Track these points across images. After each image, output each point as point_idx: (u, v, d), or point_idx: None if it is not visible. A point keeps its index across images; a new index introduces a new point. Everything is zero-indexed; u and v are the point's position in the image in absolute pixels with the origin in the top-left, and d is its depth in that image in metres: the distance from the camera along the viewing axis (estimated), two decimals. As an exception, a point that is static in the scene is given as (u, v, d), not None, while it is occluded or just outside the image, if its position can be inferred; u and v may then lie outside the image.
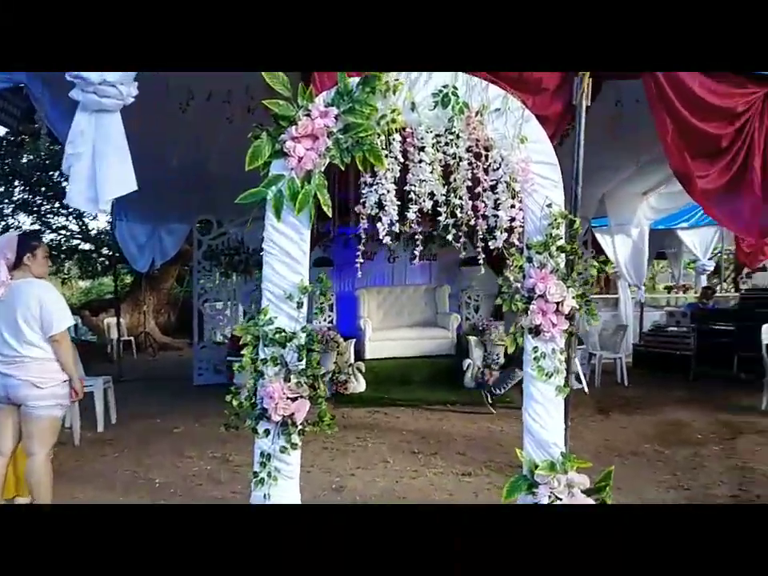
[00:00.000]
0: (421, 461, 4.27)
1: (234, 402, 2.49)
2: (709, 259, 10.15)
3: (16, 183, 12.71)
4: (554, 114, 2.79)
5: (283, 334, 2.49)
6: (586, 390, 6.71)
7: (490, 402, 5.93)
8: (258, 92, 3.52)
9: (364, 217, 2.65)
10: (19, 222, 13.59)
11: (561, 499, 2.40)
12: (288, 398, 2.44)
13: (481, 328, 7.45)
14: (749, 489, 3.65)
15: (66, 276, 15.67)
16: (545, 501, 2.41)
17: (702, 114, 2.69)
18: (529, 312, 2.65)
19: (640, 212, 8.68)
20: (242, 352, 2.49)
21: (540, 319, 2.62)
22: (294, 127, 2.48)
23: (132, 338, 11.15)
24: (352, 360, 7.05)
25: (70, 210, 13.63)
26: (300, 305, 2.52)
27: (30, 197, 13.12)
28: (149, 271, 10.31)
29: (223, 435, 5.19)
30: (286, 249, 2.54)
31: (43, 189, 13.02)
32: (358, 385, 6.95)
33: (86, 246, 14.84)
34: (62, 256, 14.63)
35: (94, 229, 14.56)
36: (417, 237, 2.69)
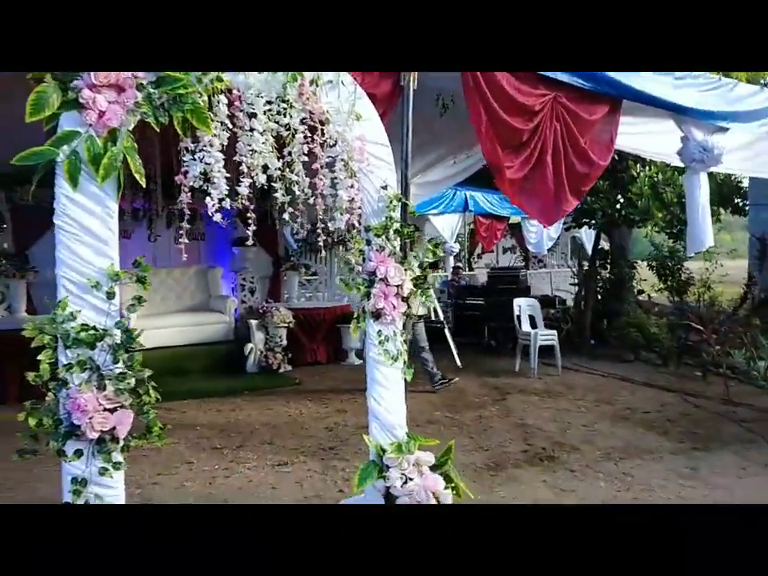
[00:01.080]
0: (228, 456, 3.95)
1: (31, 421, 1.93)
2: (454, 242, 11.42)
3: None
4: (382, 94, 2.74)
5: (92, 332, 2.01)
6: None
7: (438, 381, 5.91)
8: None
9: (186, 189, 2.28)
10: None
11: (412, 479, 2.42)
12: (106, 409, 1.98)
13: (261, 311, 7.22)
14: (533, 443, 4.23)
15: None
16: (398, 483, 2.39)
17: (509, 109, 2.92)
18: (371, 296, 2.60)
19: (401, 197, 9.37)
20: (38, 357, 1.94)
21: (382, 303, 2.59)
22: (92, 73, 1.99)
23: None
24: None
25: None
26: (111, 295, 2.05)
27: None
28: None
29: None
30: (88, 226, 2.03)
31: None
32: (126, 380, 6.16)
33: None
34: None
35: None
36: (249, 215, 2.40)
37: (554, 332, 6.57)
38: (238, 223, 7.93)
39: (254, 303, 7.93)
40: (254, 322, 6.99)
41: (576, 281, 8.66)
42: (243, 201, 2.33)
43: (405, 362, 2.71)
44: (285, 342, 7.04)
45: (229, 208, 2.29)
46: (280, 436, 4.40)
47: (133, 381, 2.06)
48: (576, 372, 6.61)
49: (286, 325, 7.05)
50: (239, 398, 5.70)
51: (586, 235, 12.06)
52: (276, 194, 2.41)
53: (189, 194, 2.30)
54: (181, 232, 2.27)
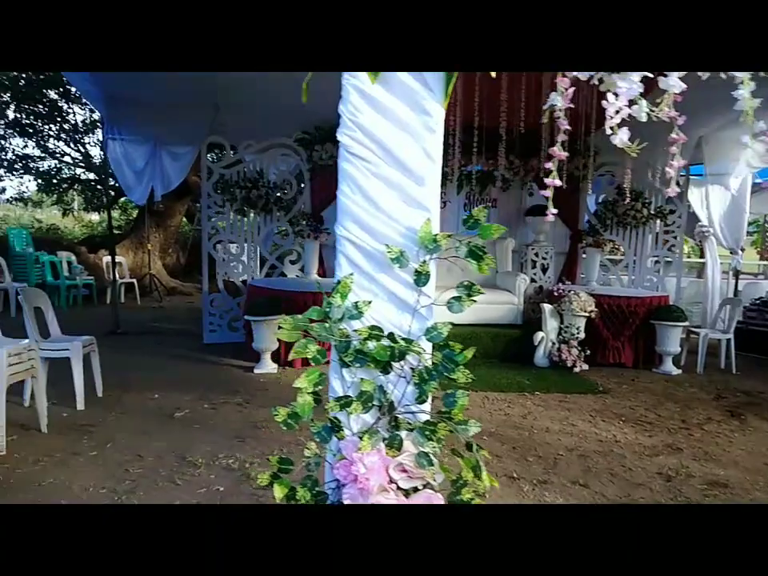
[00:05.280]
0: (529, 494, 2.92)
1: (278, 492, 1.11)
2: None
3: (6, 97, 11.12)
4: None
5: (386, 341, 1.09)
6: None
7: None
8: None
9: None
10: (14, 146, 12.17)
11: None
12: (399, 488, 1.06)
13: (556, 293, 6.03)
14: None
15: (68, 207, 14.32)
16: None
17: None
18: None
19: (743, 159, 7.09)
20: (295, 384, 1.11)
21: None
22: None
23: (135, 281, 9.85)
24: (397, 326, 5.69)
25: (71, 134, 12.20)
26: (422, 278, 1.10)
27: (24, 117, 11.59)
28: (152, 205, 8.90)
29: (245, 426, 4.00)
30: (391, 148, 1.10)
31: (39, 108, 11.48)
32: (403, 356, 5.63)
33: (90, 176, 13.44)
34: (64, 185, 13.28)
35: (96, 156, 13.10)
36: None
37: None
38: (534, 189, 6.85)
39: (545, 283, 6.78)
40: (547, 307, 5.84)
41: None
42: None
43: None
44: (583, 335, 5.76)
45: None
46: (596, 475, 3.20)
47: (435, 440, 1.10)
48: None
49: (587, 314, 5.74)
50: (529, 400, 4.65)
51: None
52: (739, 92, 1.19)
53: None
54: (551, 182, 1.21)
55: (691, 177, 7.22)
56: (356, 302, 1.09)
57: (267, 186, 6.31)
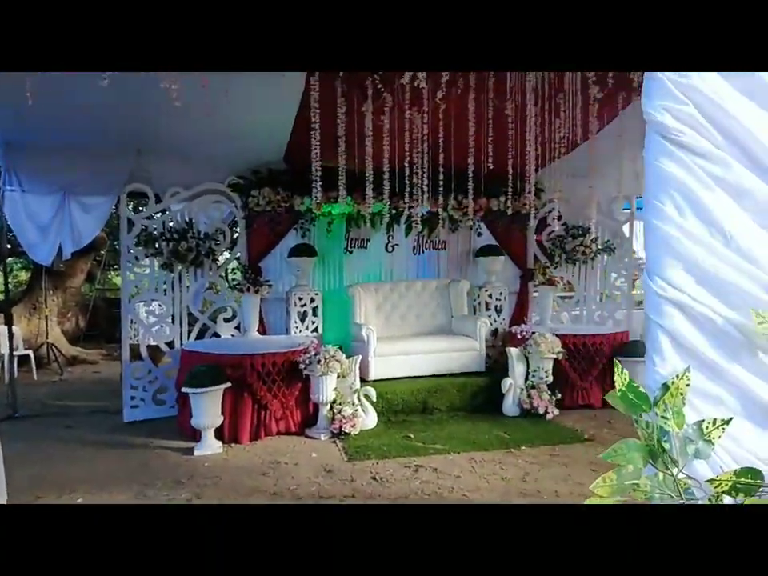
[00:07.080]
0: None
1: None
2: None
3: None
4: None
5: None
6: None
7: None
8: None
9: None
10: None
11: None
12: None
13: (519, 336, 5.72)
14: None
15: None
16: None
17: None
18: None
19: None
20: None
21: None
22: None
23: (31, 352, 8.48)
24: (357, 384, 5.09)
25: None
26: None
27: None
28: (52, 265, 7.77)
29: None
30: (743, 131, 0.61)
31: None
32: (367, 418, 5.04)
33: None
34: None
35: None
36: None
37: None
38: (483, 229, 6.62)
39: (500, 325, 6.48)
40: (514, 351, 5.50)
41: None
42: None
43: None
44: (551, 378, 5.46)
45: None
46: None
47: None
48: None
49: (555, 355, 5.46)
50: (518, 457, 4.21)
51: None
52: None
53: None
54: None
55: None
56: (700, 423, 0.57)
57: (197, 236, 5.58)
